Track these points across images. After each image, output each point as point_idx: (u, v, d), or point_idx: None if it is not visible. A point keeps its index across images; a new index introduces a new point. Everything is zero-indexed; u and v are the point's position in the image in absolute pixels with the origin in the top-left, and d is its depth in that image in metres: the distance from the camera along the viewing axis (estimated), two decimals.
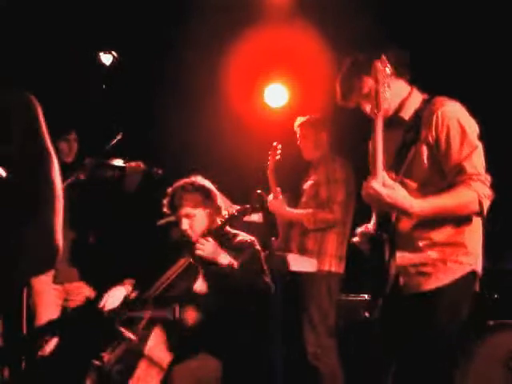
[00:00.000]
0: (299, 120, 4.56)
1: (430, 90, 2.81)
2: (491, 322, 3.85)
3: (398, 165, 2.66)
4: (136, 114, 5.52)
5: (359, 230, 2.81)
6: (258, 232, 3.94)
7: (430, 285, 2.62)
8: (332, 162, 4.39)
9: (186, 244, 3.47)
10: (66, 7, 4.96)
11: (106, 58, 5.13)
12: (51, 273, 4.07)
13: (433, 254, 2.63)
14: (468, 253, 2.63)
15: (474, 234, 2.67)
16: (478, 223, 2.67)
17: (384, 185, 2.50)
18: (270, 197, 4.48)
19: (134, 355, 3.13)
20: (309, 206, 4.37)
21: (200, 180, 3.54)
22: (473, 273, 2.64)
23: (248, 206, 3.44)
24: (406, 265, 2.65)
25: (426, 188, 2.64)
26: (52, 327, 3.81)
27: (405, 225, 2.64)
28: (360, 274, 2.94)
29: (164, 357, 3.15)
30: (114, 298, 3.46)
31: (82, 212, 4.16)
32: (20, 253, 1.61)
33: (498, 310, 4.05)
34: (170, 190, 3.54)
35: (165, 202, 3.54)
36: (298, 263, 4.07)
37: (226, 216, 3.45)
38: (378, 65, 2.57)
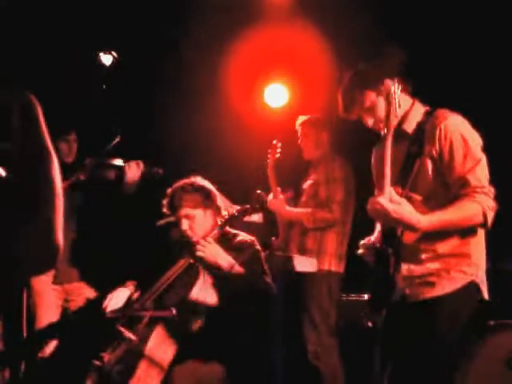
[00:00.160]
0: (301, 119, 4.56)
1: (430, 98, 2.81)
2: (492, 323, 3.85)
3: (403, 179, 2.68)
4: (136, 114, 5.52)
5: (362, 242, 2.83)
6: (258, 232, 3.94)
7: (433, 293, 2.64)
8: (331, 161, 4.39)
9: (186, 244, 3.46)
10: (66, 7, 4.95)
11: (106, 59, 5.13)
12: (51, 273, 4.07)
13: (437, 265, 2.66)
14: (471, 263, 2.66)
15: (479, 246, 2.71)
16: (481, 234, 2.70)
17: (391, 200, 2.52)
18: (270, 196, 4.48)
19: (134, 355, 3.12)
20: (308, 206, 4.37)
21: (200, 180, 3.53)
22: (474, 283, 2.66)
23: (248, 206, 3.44)
24: (412, 276, 2.67)
25: (431, 201, 2.66)
26: (52, 329, 3.81)
27: (409, 237, 2.67)
28: (361, 274, 2.95)
29: (164, 357, 3.14)
30: (118, 299, 3.46)
31: (82, 212, 4.16)
32: (20, 253, 1.61)
33: (498, 310, 4.05)
34: (169, 190, 3.54)
35: (164, 202, 3.54)
36: (301, 264, 4.07)
37: (226, 216, 3.44)
38: (390, 85, 2.58)
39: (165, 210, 3.55)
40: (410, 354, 2.66)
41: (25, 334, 3.36)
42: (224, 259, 3.31)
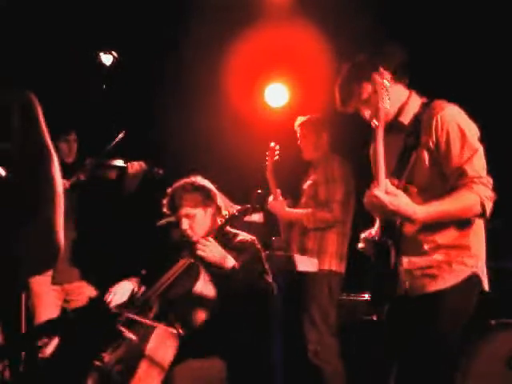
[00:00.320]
0: (300, 119, 4.56)
1: (429, 92, 2.81)
2: (493, 322, 3.84)
3: (400, 170, 2.67)
4: (136, 114, 5.52)
5: (363, 235, 2.82)
6: (258, 232, 3.94)
7: (435, 286, 2.63)
8: (331, 161, 4.39)
9: (187, 244, 3.46)
10: (66, 7, 4.95)
11: (107, 58, 5.13)
12: (49, 273, 4.07)
13: (438, 256, 2.64)
14: (472, 255, 2.65)
15: (478, 237, 2.69)
16: (480, 225, 2.69)
17: (387, 192, 2.51)
18: (270, 198, 4.48)
19: (134, 355, 3.12)
20: (308, 206, 4.37)
21: (200, 180, 3.53)
22: (475, 275, 2.65)
23: (248, 205, 3.44)
24: (413, 268, 2.66)
25: (428, 192, 2.65)
26: (52, 327, 3.80)
27: (409, 229, 2.66)
28: (361, 273, 2.94)
29: (165, 357, 3.14)
30: (121, 293, 3.45)
31: (82, 212, 4.16)
32: (20, 253, 1.60)
33: (499, 309, 4.05)
34: (169, 190, 3.54)
35: (165, 202, 3.54)
36: (302, 263, 4.07)
37: (227, 216, 3.44)
38: (377, 77, 2.58)
39: (165, 209, 3.55)
40: (413, 348, 2.65)
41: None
42: (224, 258, 3.31)
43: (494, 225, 3.36)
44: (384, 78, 2.59)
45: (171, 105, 5.52)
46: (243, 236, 3.56)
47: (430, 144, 2.63)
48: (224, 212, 3.49)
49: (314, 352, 4.17)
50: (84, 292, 4.23)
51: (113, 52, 5.05)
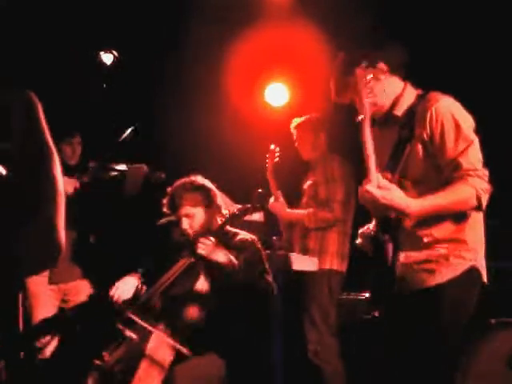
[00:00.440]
0: (295, 122, 4.54)
1: (426, 85, 2.79)
2: (493, 321, 3.85)
3: (394, 163, 2.64)
4: (136, 114, 5.51)
5: (360, 231, 2.81)
6: (258, 231, 3.94)
7: (434, 281, 2.61)
8: (330, 161, 4.39)
9: (187, 243, 3.46)
10: (66, 7, 4.95)
11: (107, 58, 5.13)
12: (46, 274, 4.05)
13: (435, 250, 2.62)
14: (469, 249, 2.62)
15: (475, 230, 2.66)
16: (478, 219, 2.66)
17: (379, 187, 2.48)
18: (271, 199, 4.48)
19: (135, 355, 3.12)
20: (309, 206, 4.37)
21: (200, 179, 3.53)
22: (474, 268, 2.63)
23: (249, 205, 3.43)
24: (410, 263, 2.64)
25: (423, 185, 2.62)
26: (50, 326, 3.80)
27: (406, 223, 2.63)
28: (361, 272, 2.94)
29: (165, 357, 3.14)
30: (126, 288, 3.44)
31: (83, 212, 4.16)
32: (20, 252, 1.60)
33: (500, 308, 4.05)
34: (169, 189, 3.54)
35: (165, 201, 3.54)
36: (300, 262, 4.07)
37: (227, 215, 3.44)
38: (359, 72, 2.56)
39: (165, 209, 3.55)
40: (413, 344, 2.62)
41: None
42: (225, 258, 3.31)
43: (492, 224, 3.36)
44: (366, 73, 2.56)
45: (171, 104, 5.52)
46: (243, 235, 3.56)
47: (425, 136, 2.60)
48: (224, 211, 3.49)
49: (314, 352, 4.17)
50: (81, 292, 4.22)
51: (113, 51, 5.05)
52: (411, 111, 2.68)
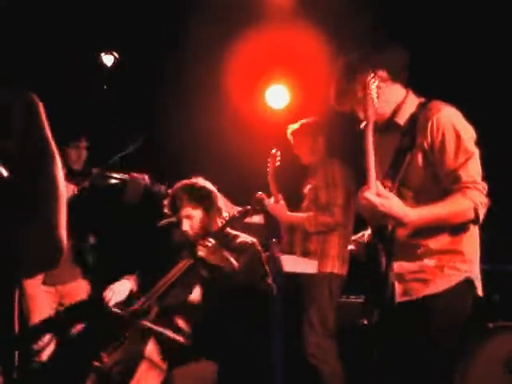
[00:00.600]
0: (291, 128, 4.53)
1: (427, 93, 2.79)
2: (491, 325, 3.85)
3: (394, 172, 2.63)
4: (136, 115, 5.51)
5: (353, 237, 2.81)
6: (258, 233, 3.94)
7: (427, 291, 2.60)
8: (330, 164, 4.38)
9: (187, 245, 3.46)
10: (67, 8, 4.95)
11: (108, 59, 5.13)
12: (41, 275, 4.02)
13: (430, 261, 2.61)
14: (465, 260, 2.61)
15: (471, 242, 2.66)
16: (474, 230, 2.66)
17: (378, 194, 2.47)
18: (271, 200, 4.47)
19: (134, 357, 3.12)
20: (310, 210, 4.36)
21: (201, 181, 3.53)
22: (469, 280, 2.62)
23: (249, 207, 3.44)
24: (403, 272, 2.64)
25: (422, 195, 2.62)
26: (46, 328, 3.80)
27: (401, 233, 2.62)
28: (361, 276, 2.94)
29: (164, 358, 3.14)
30: (120, 290, 3.46)
31: (82, 214, 4.15)
32: (20, 253, 1.60)
33: (497, 312, 4.05)
34: (170, 191, 3.54)
35: (165, 203, 3.54)
36: (294, 264, 4.06)
37: (227, 217, 3.44)
38: (365, 79, 2.55)
39: (166, 210, 3.55)
40: (408, 353, 2.62)
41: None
42: (225, 260, 3.31)
43: (489, 235, 3.36)
44: (373, 79, 2.55)
45: (171, 106, 5.52)
46: (243, 237, 3.56)
47: (425, 145, 2.59)
48: (224, 213, 3.49)
49: (313, 355, 4.17)
50: (79, 294, 4.20)
51: (114, 53, 5.05)
52: (413, 120, 2.67)
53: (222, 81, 5.43)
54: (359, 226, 3.06)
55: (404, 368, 2.64)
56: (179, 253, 3.51)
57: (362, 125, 2.59)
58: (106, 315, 3.37)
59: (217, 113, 5.49)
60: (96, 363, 3.18)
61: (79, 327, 3.81)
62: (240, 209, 3.47)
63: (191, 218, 3.45)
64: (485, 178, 2.60)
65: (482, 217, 2.55)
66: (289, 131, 4.54)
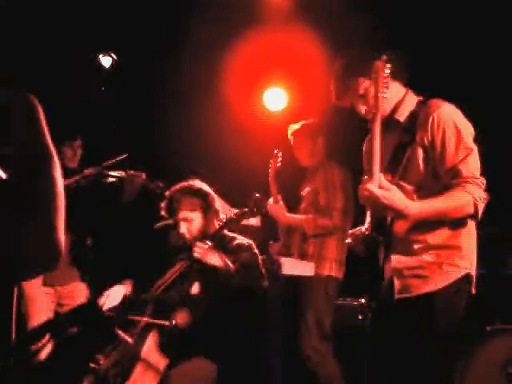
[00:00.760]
0: (292, 128, 4.52)
1: (426, 91, 2.80)
2: (489, 328, 3.85)
3: (394, 167, 2.65)
4: (135, 117, 5.52)
5: (351, 231, 2.81)
6: (255, 236, 3.94)
7: (426, 288, 2.61)
8: (329, 168, 4.38)
9: (184, 247, 3.46)
10: (66, 9, 4.95)
11: (106, 60, 5.13)
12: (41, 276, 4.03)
13: (428, 257, 2.62)
14: (463, 256, 2.63)
15: (469, 238, 2.67)
16: (472, 226, 2.68)
17: (380, 186, 2.48)
18: (270, 201, 4.47)
19: (130, 358, 3.12)
20: (308, 212, 4.36)
21: (198, 183, 3.53)
22: (467, 276, 2.64)
23: (246, 209, 3.44)
24: (402, 268, 2.65)
25: (421, 190, 2.63)
26: (46, 330, 3.80)
27: (400, 228, 2.64)
28: (357, 277, 2.94)
29: (160, 360, 3.14)
30: (114, 296, 3.46)
31: (80, 215, 4.15)
32: (20, 253, 1.60)
33: (496, 315, 4.05)
34: (167, 193, 3.54)
35: (163, 205, 3.54)
36: (293, 267, 4.07)
37: (224, 219, 3.44)
38: (378, 64, 2.56)
39: (163, 212, 3.55)
40: (405, 349, 2.63)
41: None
42: (220, 261, 3.31)
43: (490, 233, 3.37)
44: (386, 67, 2.55)
45: (170, 108, 5.52)
46: (240, 240, 3.56)
47: (425, 142, 2.62)
48: (222, 215, 3.49)
49: (308, 357, 4.16)
50: (78, 297, 4.20)
51: (112, 54, 5.05)
52: (413, 117, 2.70)
53: (220, 83, 5.44)
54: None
55: (402, 365, 2.64)
56: (176, 255, 3.51)
57: (370, 115, 2.60)
58: (100, 320, 3.38)
59: (215, 115, 5.49)
60: (93, 365, 3.17)
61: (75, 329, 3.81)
62: (237, 211, 3.47)
63: (188, 221, 3.45)
64: (483, 173, 2.62)
65: (480, 211, 2.57)
66: (289, 131, 4.52)
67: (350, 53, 2.83)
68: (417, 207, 2.53)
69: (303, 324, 4.21)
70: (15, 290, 1.74)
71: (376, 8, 4.85)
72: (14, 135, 1.60)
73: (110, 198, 4.24)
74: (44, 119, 1.65)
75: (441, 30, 4.75)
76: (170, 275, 3.38)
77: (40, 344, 3.78)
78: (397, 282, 2.65)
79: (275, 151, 4.54)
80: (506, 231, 4.15)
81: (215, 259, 3.30)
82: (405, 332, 2.63)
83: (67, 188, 4.05)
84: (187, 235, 3.45)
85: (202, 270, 3.30)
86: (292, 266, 4.10)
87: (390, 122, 2.74)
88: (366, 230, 2.72)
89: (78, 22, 5.02)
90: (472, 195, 2.53)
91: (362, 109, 2.74)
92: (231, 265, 3.33)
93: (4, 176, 1.57)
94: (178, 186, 3.53)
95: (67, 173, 4.13)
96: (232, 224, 3.45)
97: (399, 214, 2.55)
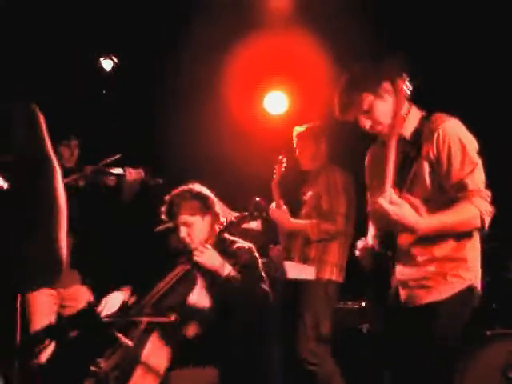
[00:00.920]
0: (297, 130, 4.52)
1: (428, 105, 2.82)
2: (489, 332, 3.85)
3: (401, 181, 2.68)
4: (135, 121, 5.52)
5: (360, 244, 2.83)
6: (256, 239, 3.94)
7: (430, 298, 2.65)
8: (332, 172, 4.38)
9: (184, 251, 3.46)
10: (66, 12, 4.96)
11: (107, 64, 5.14)
12: None
13: (433, 268, 2.66)
14: (468, 268, 2.66)
15: (474, 249, 2.71)
16: (477, 239, 2.70)
17: (391, 202, 2.52)
18: (273, 205, 4.47)
19: (130, 361, 3.12)
20: (310, 217, 4.36)
21: (198, 187, 3.53)
22: (471, 288, 2.66)
23: (246, 213, 3.44)
24: (407, 279, 2.67)
25: (428, 203, 2.66)
26: (48, 333, 3.80)
27: (404, 240, 2.67)
28: (357, 282, 2.95)
29: (161, 363, 3.14)
30: (113, 302, 3.46)
31: (80, 217, 4.16)
32: (21, 267, 1.60)
33: (496, 319, 4.05)
34: (167, 197, 3.54)
35: (163, 209, 3.54)
36: (296, 271, 4.08)
37: (225, 223, 3.44)
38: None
39: (163, 216, 3.55)
40: (408, 359, 2.65)
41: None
42: (221, 266, 3.31)
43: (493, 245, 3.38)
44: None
45: (171, 111, 5.53)
46: (241, 243, 3.56)
47: (431, 156, 2.66)
48: (222, 219, 3.49)
49: (305, 359, 4.16)
50: (80, 298, 4.21)
51: (113, 57, 5.06)
52: (417, 132, 2.73)
53: (221, 88, 5.44)
54: (359, 233, 3.07)
55: (405, 373, 2.68)
56: (176, 258, 3.51)
57: (384, 133, 2.67)
58: (99, 325, 3.38)
59: (216, 119, 5.50)
60: (93, 368, 3.17)
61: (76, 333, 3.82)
62: (237, 214, 3.47)
63: (188, 225, 3.44)
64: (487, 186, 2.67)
65: (487, 224, 2.61)
66: (294, 133, 4.52)
67: (355, 67, 2.85)
68: (426, 223, 2.56)
69: (301, 325, 4.21)
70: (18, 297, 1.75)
71: (377, 12, 4.86)
72: (14, 146, 1.60)
73: (108, 198, 4.25)
74: (45, 127, 1.66)
75: (441, 42, 4.75)
76: (170, 278, 3.38)
77: (41, 346, 3.79)
78: (402, 293, 2.68)
79: (280, 157, 4.53)
80: (507, 234, 4.16)
81: (215, 263, 3.30)
82: (407, 340, 2.65)
83: (66, 188, 4.07)
84: (187, 239, 3.44)
85: (203, 274, 3.30)
86: (293, 270, 4.11)
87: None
88: (372, 241, 2.75)
89: (79, 24, 5.02)
90: (479, 208, 2.58)
91: (367, 124, 2.77)
92: (232, 269, 3.34)
93: (5, 186, 1.57)
94: (177, 190, 3.53)
95: (65, 173, 4.14)
96: (232, 227, 3.45)
97: (409, 229, 2.58)
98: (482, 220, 2.59)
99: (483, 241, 2.76)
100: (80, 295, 4.23)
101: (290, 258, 4.36)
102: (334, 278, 4.30)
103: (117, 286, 3.58)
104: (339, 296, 4.41)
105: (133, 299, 3.49)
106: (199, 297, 3.23)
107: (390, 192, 2.53)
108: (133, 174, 4.26)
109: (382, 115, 2.73)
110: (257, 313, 3.49)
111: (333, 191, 4.29)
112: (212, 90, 5.43)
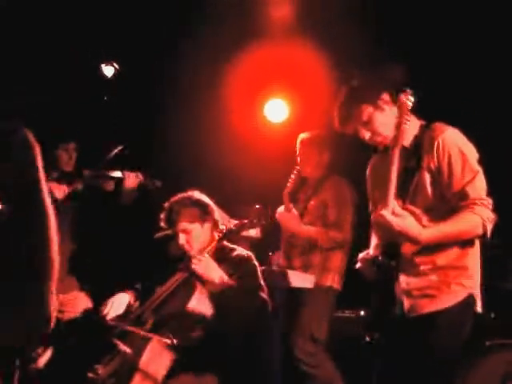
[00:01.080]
0: (301, 137, 4.50)
1: (427, 114, 2.83)
2: (488, 343, 3.84)
3: (403, 192, 2.70)
4: (135, 128, 5.53)
5: (361, 256, 2.83)
6: (255, 247, 3.94)
7: (434, 307, 2.66)
8: (339, 183, 4.37)
9: (184, 258, 3.46)
10: (67, 16, 4.97)
11: (108, 70, 5.15)
12: None
13: (436, 277, 2.67)
14: (469, 276, 2.68)
15: (475, 258, 2.73)
16: (478, 246, 2.72)
17: (393, 213, 2.54)
18: (281, 209, 4.40)
19: (128, 368, 3.11)
20: (313, 226, 4.34)
21: (197, 194, 3.54)
22: (472, 296, 2.69)
23: (246, 220, 3.44)
24: (410, 289, 2.68)
25: (431, 212, 2.68)
26: (45, 339, 3.79)
27: (408, 249, 2.68)
28: (356, 290, 2.95)
29: (159, 371, 3.14)
30: (119, 302, 3.45)
31: (79, 223, 4.16)
32: (11, 330, 1.61)
33: (495, 329, 4.05)
34: (167, 204, 3.54)
35: (162, 216, 3.53)
36: (298, 279, 4.08)
37: (224, 230, 3.44)
38: (402, 98, 2.61)
39: (162, 223, 3.55)
40: (410, 367, 2.66)
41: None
42: (216, 274, 3.29)
43: (495, 251, 3.39)
44: (409, 99, 2.61)
45: (171, 118, 5.54)
46: (240, 251, 3.55)
47: (432, 166, 2.68)
48: (221, 226, 3.49)
49: (301, 360, 4.15)
50: (79, 304, 4.21)
51: (114, 64, 5.07)
52: (417, 142, 2.75)
53: (221, 95, 5.45)
54: (359, 241, 3.08)
55: (403, 378, 2.68)
56: (175, 265, 3.51)
57: (385, 145, 2.71)
58: (102, 329, 3.37)
59: (216, 127, 5.50)
60: (91, 375, 3.17)
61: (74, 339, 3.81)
62: (237, 222, 3.47)
63: (187, 232, 3.44)
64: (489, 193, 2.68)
65: (489, 232, 2.63)
66: (298, 140, 4.49)
67: (354, 79, 2.86)
68: (429, 233, 2.58)
69: (298, 326, 4.20)
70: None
71: (377, 20, 4.87)
72: (12, 165, 1.62)
73: (107, 201, 4.25)
74: (39, 156, 1.67)
75: (440, 51, 4.76)
76: (170, 284, 3.38)
77: (38, 351, 3.78)
78: (406, 302, 2.69)
79: (297, 167, 4.44)
80: (508, 243, 4.16)
81: (213, 272, 3.30)
82: (410, 348, 2.65)
83: (67, 196, 4.07)
84: (186, 246, 3.44)
85: (201, 282, 3.30)
86: (293, 278, 4.10)
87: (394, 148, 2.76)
88: (375, 254, 2.76)
89: (80, 31, 5.03)
90: (481, 216, 2.59)
91: (366, 135, 2.79)
92: (227, 277, 3.33)
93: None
94: (177, 197, 3.53)
95: (64, 177, 4.14)
96: (231, 235, 3.45)
97: (412, 240, 2.59)
98: (485, 228, 2.60)
99: (485, 248, 2.77)
100: (78, 301, 4.23)
101: (290, 266, 4.35)
102: (335, 285, 4.29)
103: (116, 291, 3.57)
104: (336, 305, 4.40)
105: (137, 303, 3.49)
106: (199, 303, 3.22)
107: (392, 204, 2.55)
108: (131, 178, 4.27)
109: (382, 126, 2.75)
110: (257, 320, 3.48)
111: (341, 203, 4.28)
112: (212, 98, 5.44)
